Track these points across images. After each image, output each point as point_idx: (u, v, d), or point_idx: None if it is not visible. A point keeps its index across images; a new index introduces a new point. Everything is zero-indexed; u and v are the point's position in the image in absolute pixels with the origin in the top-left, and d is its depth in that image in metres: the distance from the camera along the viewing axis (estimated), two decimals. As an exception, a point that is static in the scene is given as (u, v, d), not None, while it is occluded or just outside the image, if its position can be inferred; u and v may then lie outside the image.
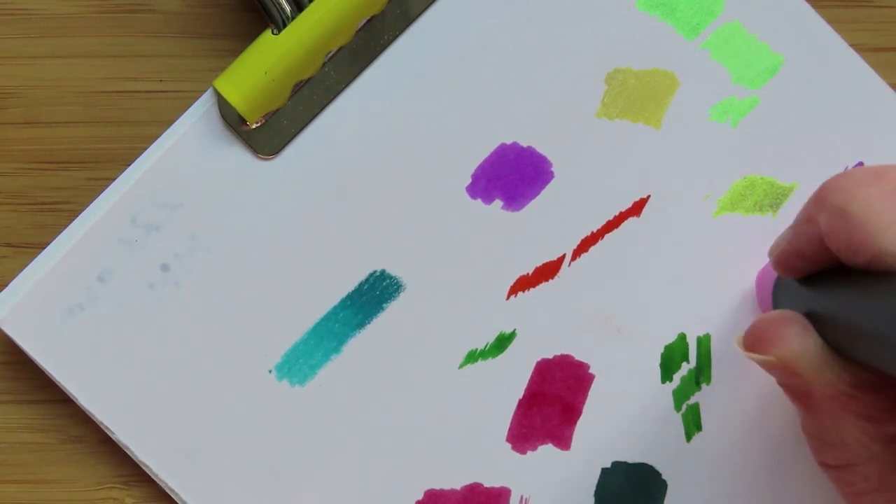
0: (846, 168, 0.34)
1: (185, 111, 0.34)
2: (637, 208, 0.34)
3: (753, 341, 0.27)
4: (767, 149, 0.34)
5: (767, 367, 0.27)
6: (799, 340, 0.26)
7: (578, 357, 0.34)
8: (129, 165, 0.34)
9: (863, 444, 0.26)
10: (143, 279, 0.34)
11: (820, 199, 0.26)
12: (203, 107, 0.34)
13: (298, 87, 0.34)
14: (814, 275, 0.28)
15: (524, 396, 0.34)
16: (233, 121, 0.34)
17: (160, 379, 0.33)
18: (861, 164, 0.34)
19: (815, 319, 0.26)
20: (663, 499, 0.34)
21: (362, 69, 0.34)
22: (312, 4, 0.33)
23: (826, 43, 0.34)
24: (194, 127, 0.34)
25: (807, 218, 0.27)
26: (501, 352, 0.34)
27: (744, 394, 0.34)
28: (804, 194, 0.34)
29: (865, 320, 0.24)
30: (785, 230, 0.29)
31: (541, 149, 0.34)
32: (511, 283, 0.34)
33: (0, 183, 0.35)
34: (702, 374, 0.34)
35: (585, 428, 0.34)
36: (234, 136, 0.34)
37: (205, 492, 0.33)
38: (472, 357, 0.34)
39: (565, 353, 0.34)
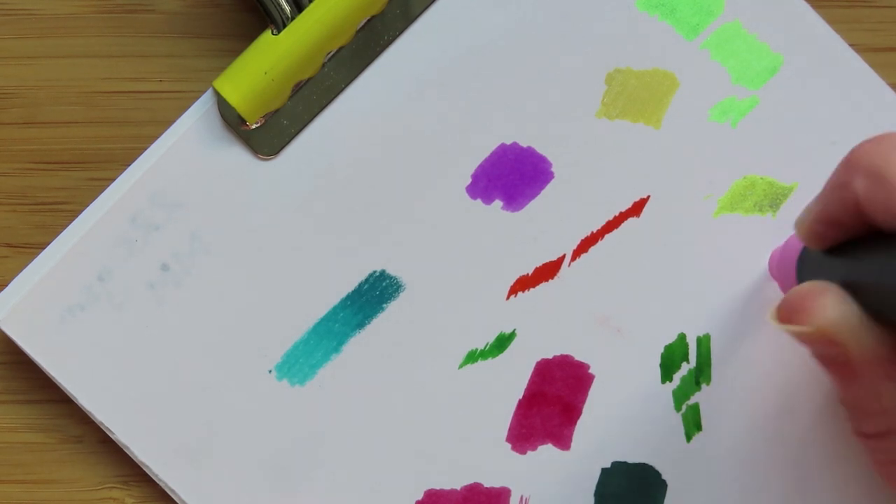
0: None
1: (185, 111, 0.34)
2: (637, 208, 0.34)
3: (789, 313, 0.27)
4: (767, 149, 0.34)
5: (804, 338, 0.27)
6: (838, 308, 0.26)
7: (578, 357, 0.34)
8: (129, 165, 0.34)
9: None
10: (143, 279, 0.34)
11: (853, 163, 0.26)
12: (203, 107, 0.34)
13: (298, 88, 0.34)
14: (841, 245, 0.27)
15: (524, 396, 0.34)
16: (233, 121, 0.34)
17: (160, 379, 0.33)
18: None
19: (850, 288, 0.26)
20: (663, 499, 0.34)
21: (362, 69, 0.34)
22: (312, 4, 0.33)
23: (826, 43, 0.34)
24: (194, 127, 0.34)
25: (839, 184, 0.26)
26: (501, 352, 0.34)
27: (744, 394, 0.34)
28: (804, 194, 0.34)
29: None
30: (810, 202, 0.28)
31: (541, 149, 0.34)
32: (511, 283, 0.34)
33: (0, 183, 0.35)
34: (702, 374, 0.34)
35: (585, 428, 0.34)
36: (234, 136, 0.34)
37: (205, 492, 0.33)
38: (472, 357, 0.34)
39: (565, 353, 0.34)
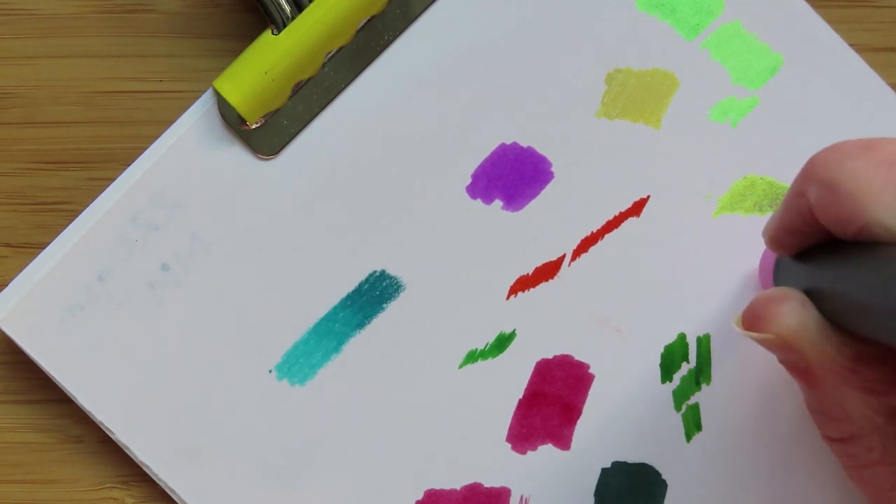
0: None
1: (185, 111, 0.34)
2: (637, 208, 0.34)
3: (751, 320, 0.27)
4: (767, 149, 0.34)
5: (766, 344, 0.27)
6: (795, 316, 0.26)
7: (578, 357, 0.34)
8: (129, 165, 0.34)
9: (865, 416, 0.26)
10: (143, 279, 0.34)
11: (808, 173, 0.26)
12: (203, 107, 0.34)
13: (298, 87, 0.34)
14: (809, 250, 0.28)
15: (524, 396, 0.34)
16: (233, 121, 0.34)
17: (160, 379, 0.33)
18: None
19: (814, 295, 0.26)
20: (663, 499, 0.34)
21: (362, 69, 0.34)
22: (312, 4, 0.33)
23: (826, 43, 0.34)
24: (194, 127, 0.34)
25: (796, 192, 0.27)
26: (501, 352, 0.34)
27: (744, 394, 0.34)
28: (804, 194, 0.34)
29: (857, 291, 0.24)
30: (774, 212, 0.29)
31: (541, 149, 0.34)
32: (511, 283, 0.34)
33: (0, 183, 0.35)
34: (702, 374, 0.34)
35: (585, 428, 0.34)
36: (234, 136, 0.34)
37: (205, 492, 0.33)
38: (472, 357, 0.34)
39: (565, 353, 0.34)
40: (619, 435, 0.34)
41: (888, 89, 0.34)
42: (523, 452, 0.34)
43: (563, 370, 0.34)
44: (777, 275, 0.30)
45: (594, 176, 0.34)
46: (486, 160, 0.34)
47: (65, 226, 0.34)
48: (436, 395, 0.34)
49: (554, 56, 0.34)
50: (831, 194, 0.25)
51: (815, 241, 0.27)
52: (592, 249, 0.34)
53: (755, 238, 0.34)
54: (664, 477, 0.34)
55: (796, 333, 0.26)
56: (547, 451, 0.34)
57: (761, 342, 0.27)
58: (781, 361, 0.28)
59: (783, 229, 0.28)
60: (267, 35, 0.33)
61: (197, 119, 0.34)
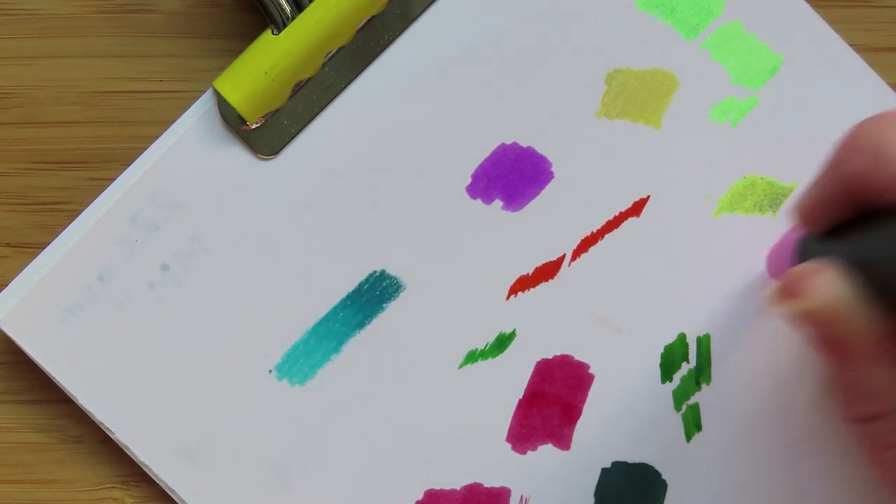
0: None
1: (185, 111, 0.34)
2: (637, 208, 0.34)
3: (787, 292, 0.27)
4: (767, 149, 0.34)
5: (801, 318, 0.27)
6: (832, 288, 0.26)
7: (578, 357, 0.34)
8: (129, 165, 0.34)
9: (894, 393, 0.26)
10: (143, 279, 0.34)
11: (852, 143, 0.26)
12: (203, 107, 0.34)
13: (298, 87, 0.34)
14: (837, 228, 0.28)
15: (524, 396, 0.34)
16: (233, 121, 0.34)
17: (160, 379, 0.33)
18: None
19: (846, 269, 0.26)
20: (663, 499, 0.34)
21: (362, 69, 0.34)
22: (312, 4, 0.33)
23: (826, 43, 0.35)
24: (194, 127, 0.34)
25: (836, 163, 0.27)
26: (501, 352, 0.34)
27: (744, 394, 0.34)
28: (804, 194, 0.34)
29: None
30: (808, 186, 0.29)
31: (541, 149, 0.34)
32: (511, 283, 0.34)
33: (0, 183, 0.35)
34: (702, 374, 0.34)
35: (585, 428, 0.34)
36: (234, 136, 0.34)
37: (205, 492, 0.33)
38: (472, 357, 0.34)
39: (565, 353, 0.34)
40: (619, 435, 0.34)
41: (888, 89, 0.34)
42: (523, 452, 0.34)
43: (563, 370, 0.34)
44: (800, 258, 0.30)
45: (594, 176, 0.34)
46: (486, 160, 0.34)
47: (65, 226, 0.34)
48: (436, 395, 0.34)
49: (554, 56, 0.34)
50: (878, 162, 0.25)
51: (849, 214, 0.27)
52: (592, 249, 0.34)
53: (755, 238, 0.34)
54: (664, 477, 0.34)
55: (832, 305, 0.26)
56: (547, 451, 0.34)
57: (796, 316, 0.27)
58: (813, 339, 0.27)
59: (820, 202, 0.28)
60: (267, 35, 0.33)
61: (197, 119, 0.34)
